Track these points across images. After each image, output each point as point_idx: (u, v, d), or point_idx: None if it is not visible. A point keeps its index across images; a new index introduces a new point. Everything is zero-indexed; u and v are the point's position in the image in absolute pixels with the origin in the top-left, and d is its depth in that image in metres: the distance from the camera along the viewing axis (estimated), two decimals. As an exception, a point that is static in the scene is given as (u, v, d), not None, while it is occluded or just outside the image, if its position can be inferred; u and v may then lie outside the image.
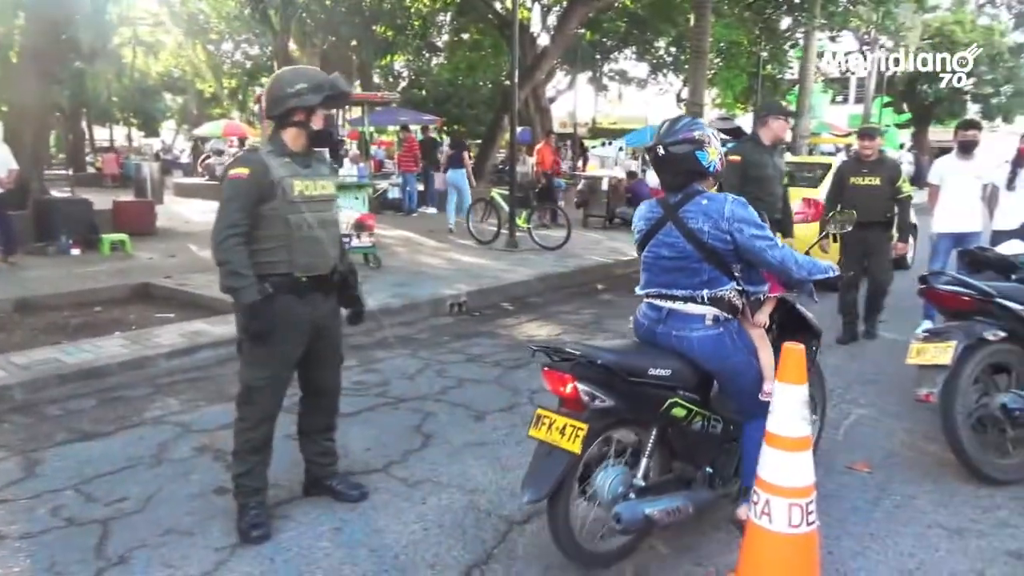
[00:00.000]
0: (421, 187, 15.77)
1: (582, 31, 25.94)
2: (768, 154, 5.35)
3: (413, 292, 7.42)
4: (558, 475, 2.57)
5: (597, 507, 2.74)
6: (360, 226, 8.54)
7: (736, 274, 2.80)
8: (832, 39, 29.28)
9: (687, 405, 2.78)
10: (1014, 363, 3.61)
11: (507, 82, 20.39)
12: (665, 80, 32.88)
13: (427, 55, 30.79)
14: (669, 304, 2.82)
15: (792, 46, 26.06)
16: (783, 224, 5.62)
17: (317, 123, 2.95)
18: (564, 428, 2.59)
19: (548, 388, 2.74)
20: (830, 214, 5.95)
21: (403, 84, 32.07)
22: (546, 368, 2.73)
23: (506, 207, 10.77)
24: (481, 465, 3.70)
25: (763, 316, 2.97)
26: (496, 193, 11.14)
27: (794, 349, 2.39)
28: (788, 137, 5.34)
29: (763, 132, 5.45)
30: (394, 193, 15.57)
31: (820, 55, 28.07)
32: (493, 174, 17.36)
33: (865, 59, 27.96)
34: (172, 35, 27.64)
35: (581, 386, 2.58)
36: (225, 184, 2.88)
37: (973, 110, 32.34)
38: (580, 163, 16.05)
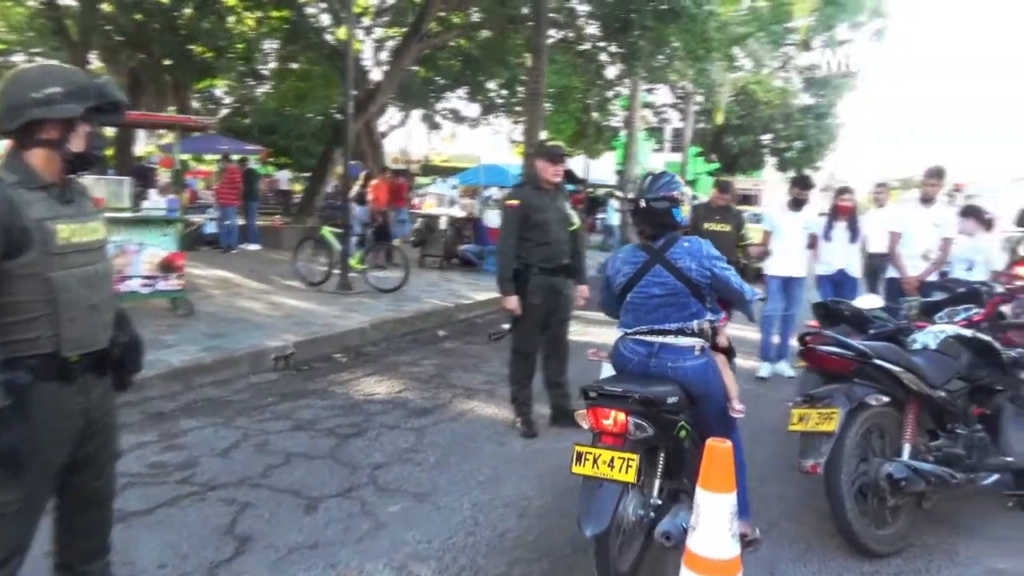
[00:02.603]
0: (242, 221, 14.51)
1: (416, 68, 25.68)
2: (550, 198, 4.89)
3: (230, 344, 6.45)
4: (615, 505, 2.78)
5: (621, 530, 2.93)
6: (168, 266, 7.43)
7: (708, 306, 3.21)
8: (649, 91, 31.15)
9: (687, 427, 3.07)
10: (889, 426, 3.46)
11: (338, 115, 19.52)
12: (497, 121, 33.40)
13: (252, 82, 29.15)
14: (660, 339, 3.15)
15: (615, 96, 27.30)
16: (574, 270, 5.09)
17: (78, 143, 2.11)
18: (612, 461, 2.78)
19: (588, 424, 2.96)
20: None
21: (226, 111, 30.12)
22: (591, 406, 2.95)
23: (338, 246, 9.97)
24: (313, 577, 2.97)
25: (724, 338, 3.40)
26: (327, 231, 10.29)
27: (718, 448, 1.96)
28: (554, 178, 4.97)
29: (536, 173, 4.99)
30: (211, 228, 14.19)
31: (645, 105, 29.71)
32: (323, 210, 16.40)
33: (680, 112, 30.01)
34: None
35: (632, 419, 2.86)
36: None
37: (771, 162, 35.61)
38: (416, 200, 15.51)
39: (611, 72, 22.35)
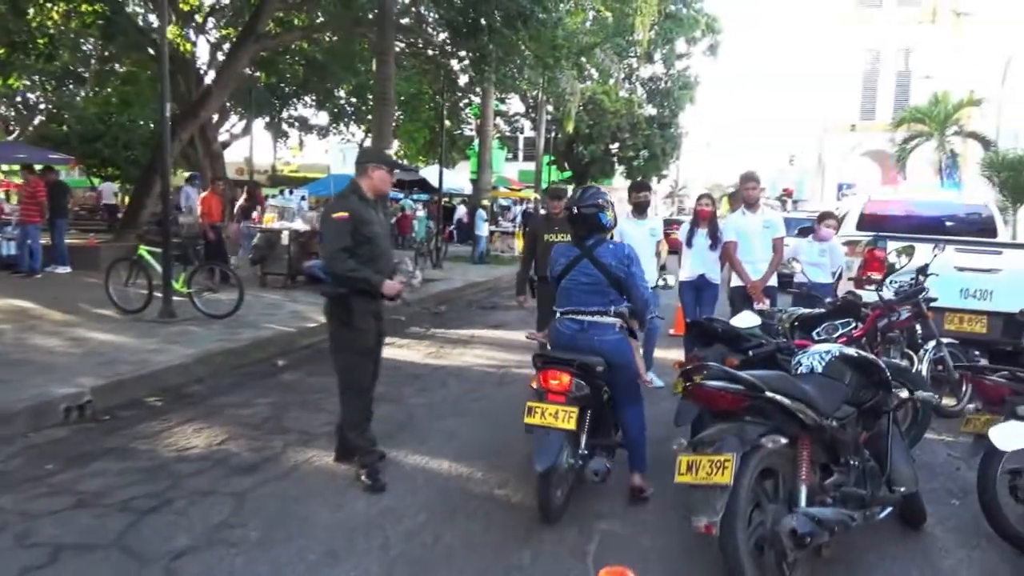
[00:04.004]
0: (47, 241, 12.71)
1: (258, 73, 24.10)
2: (374, 209, 4.35)
3: (5, 394, 5.24)
4: (558, 448, 3.58)
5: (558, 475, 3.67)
6: (-73, 301, 6.06)
7: (625, 296, 3.97)
8: (501, 100, 31.09)
9: (608, 391, 3.92)
10: (781, 465, 3.05)
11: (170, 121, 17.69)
12: (347, 130, 32.12)
13: (71, 85, 26.28)
14: (588, 318, 3.93)
15: (467, 104, 26.91)
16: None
17: None
18: (557, 413, 3.57)
19: (538, 383, 3.75)
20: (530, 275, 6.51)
21: (41, 117, 26.97)
22: (543, 369, 3.75)
23: (158, 267, 8.74)
24: None
25: (633, 324, 4.11)
26: (145, 250, 9.00)
27: None
28: (387, 188, 4.50)
29: (364, 183, 4.33)
30: (9, 249, 12.31)
31: (497, 114, 29.53)
32: (149, 225, 14.72)
33: (532, 121, 30.15)
34: None
35: (575, 379, 3.67)
36: None
37: (619, 170, 36.61)
38: (255, 214, 14.25)
39: (463, 79, 21.95)
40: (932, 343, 5.96)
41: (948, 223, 8.30)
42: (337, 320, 4.25)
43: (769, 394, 2.90)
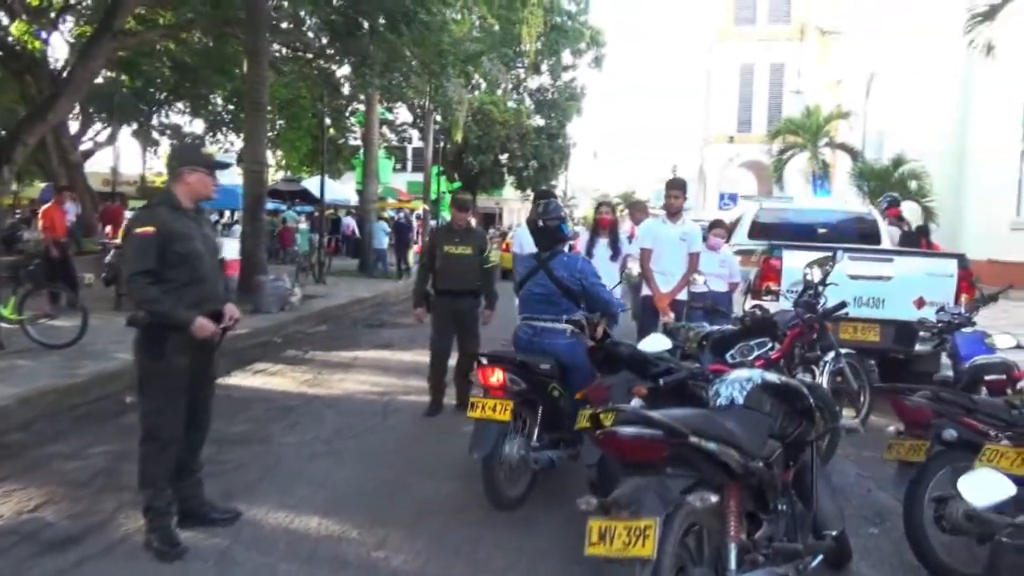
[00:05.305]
0: None
1: (123, 77, 22.30)
2: (194, 221, 3.65)
3: None
4: (495, 438, 3.91)
5: (509, 465, 4.03)
6: None
7: (581, 305, 4.41)
8: (389, 109, 30.26)
9: (559, 388, 4.23)
10: (706, 521, 2.57)
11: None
12: (225, 139, 30.35)
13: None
14: (541, 324, 4.39)
15: (352, 113, 25.91)
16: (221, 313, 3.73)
17: None
18: (495, 407, 3.91)
19: (480, 381, 4.08)
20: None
21: None
22: (480, 367, 4.09)
23: (-19, 292, 7.55)
24: None
25: (599, 330, 4.40)
26: (-35, 272, 7.79)
27: None
28: (211, 194, 3.81)
29: (179, 190, 3.62)
30: None
31: (384, 123, 28.64)
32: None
33: (420, 131, 29.53)
34: None
35: (509, 375, 4.00)
36: None
37: (509, 181, 36.51)
38: (108, 229, 12.87)
39: (347, 87, 21.01)
40: (831, 354, 5.78)
41: (836, 230, 8.32)
42: (146, 354, 3.53)
43: (694, 439, 2.42)
